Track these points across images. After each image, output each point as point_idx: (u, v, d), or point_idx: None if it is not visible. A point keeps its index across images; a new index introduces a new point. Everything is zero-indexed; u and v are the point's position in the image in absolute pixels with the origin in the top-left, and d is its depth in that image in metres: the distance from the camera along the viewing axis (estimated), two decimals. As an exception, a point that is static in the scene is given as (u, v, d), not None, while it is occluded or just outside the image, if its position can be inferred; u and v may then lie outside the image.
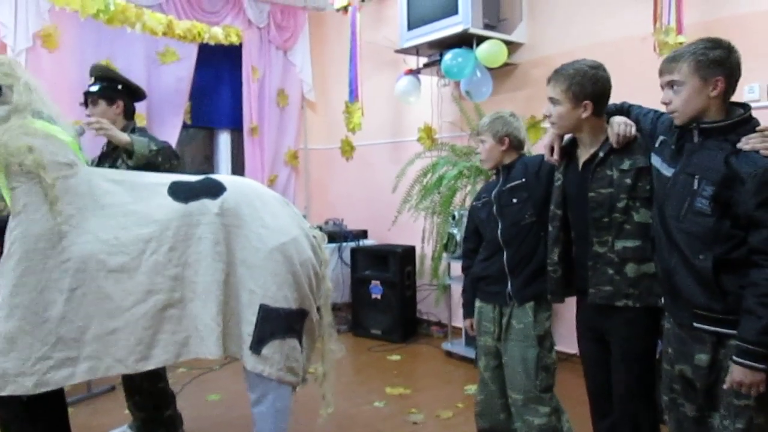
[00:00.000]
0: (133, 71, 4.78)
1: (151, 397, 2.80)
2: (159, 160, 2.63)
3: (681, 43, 3.03)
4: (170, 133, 5.04)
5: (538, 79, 4.15)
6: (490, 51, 4.19)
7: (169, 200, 2.19)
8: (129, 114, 2.91)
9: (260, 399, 2.24)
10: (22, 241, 1.99)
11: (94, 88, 2.81)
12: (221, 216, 2.17)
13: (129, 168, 2.59)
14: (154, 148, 2.63)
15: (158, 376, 2.79)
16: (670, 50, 2.32)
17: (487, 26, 4.25)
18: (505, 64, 4.34)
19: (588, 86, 2.02)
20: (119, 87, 2.85)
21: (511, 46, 4.37)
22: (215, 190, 2.24)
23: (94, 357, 2.03)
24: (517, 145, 2.42)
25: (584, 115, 2.04)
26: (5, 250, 2.02)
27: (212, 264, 2.13)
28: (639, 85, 2.70)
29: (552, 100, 2.08)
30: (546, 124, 2.19)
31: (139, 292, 2.07)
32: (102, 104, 2.79)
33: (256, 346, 2.12)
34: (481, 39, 4.22)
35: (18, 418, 2.11)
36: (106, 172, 2.32)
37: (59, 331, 1.99)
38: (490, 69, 4.31)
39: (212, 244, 2.14)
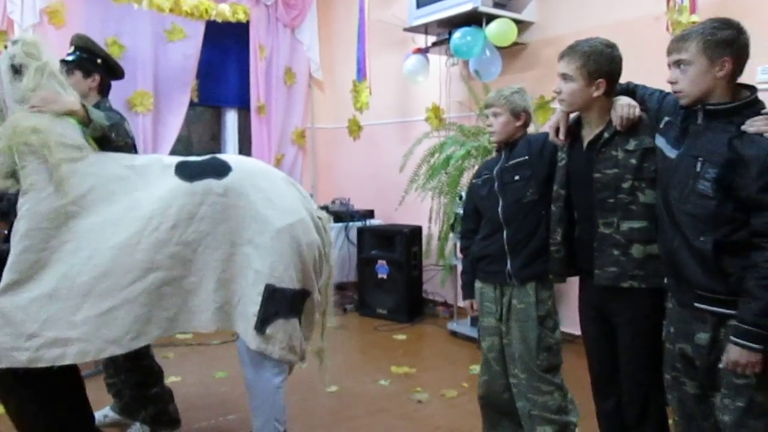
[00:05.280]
0: (140, 49, 4.77)
1: (134, 374, 2.73)
2: (113, 135, 2.41)
3: (694, 23, 2.98)
4: (177, 111, 5.04)
5: (548, 58, 4.11)
6: (500, 30, 4.14)
7: (176, 179, 2.20)
8: (104, 90, 2.80)
9: (258, 377, 2.26)
10: (28, 218, 2.02)
11: (71, 58, 2.69)
12: (225, 196, 2.18)
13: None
14: (107, 123, 2.37)
15: (142, 354, 2.69)
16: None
17: (496, 4, 4.20)
18: (515, 44, 4.30)
19: (604, 64, 2.00)
20: (98, 61, 2.74)
21: (521, 25, 4.32)
22: (221, 169, 2.24)
23: (83, 340, 2.01)
24: (527, 122, 2.41)
25: (596, 94, 2.02)
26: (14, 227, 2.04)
27: (212, 243, 2.15)
28: (652, 65, 2.65)
29: (564, 77, 2.05)
30: (555, 104, 2.16)
31: (138, 269, 2.07)
32: (77, 75, 2.67)
33: (261, 325, 2.14)
34: (490, 17, 4.17)
35: (33, 399, 2.12)
36: (117, 156, 2.31)
37: (50, 309, 1.99)
38: (499, 48, 4.27)
39: (214, 224, 2.16)
